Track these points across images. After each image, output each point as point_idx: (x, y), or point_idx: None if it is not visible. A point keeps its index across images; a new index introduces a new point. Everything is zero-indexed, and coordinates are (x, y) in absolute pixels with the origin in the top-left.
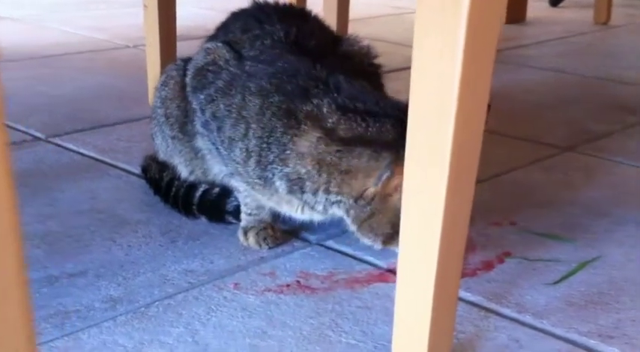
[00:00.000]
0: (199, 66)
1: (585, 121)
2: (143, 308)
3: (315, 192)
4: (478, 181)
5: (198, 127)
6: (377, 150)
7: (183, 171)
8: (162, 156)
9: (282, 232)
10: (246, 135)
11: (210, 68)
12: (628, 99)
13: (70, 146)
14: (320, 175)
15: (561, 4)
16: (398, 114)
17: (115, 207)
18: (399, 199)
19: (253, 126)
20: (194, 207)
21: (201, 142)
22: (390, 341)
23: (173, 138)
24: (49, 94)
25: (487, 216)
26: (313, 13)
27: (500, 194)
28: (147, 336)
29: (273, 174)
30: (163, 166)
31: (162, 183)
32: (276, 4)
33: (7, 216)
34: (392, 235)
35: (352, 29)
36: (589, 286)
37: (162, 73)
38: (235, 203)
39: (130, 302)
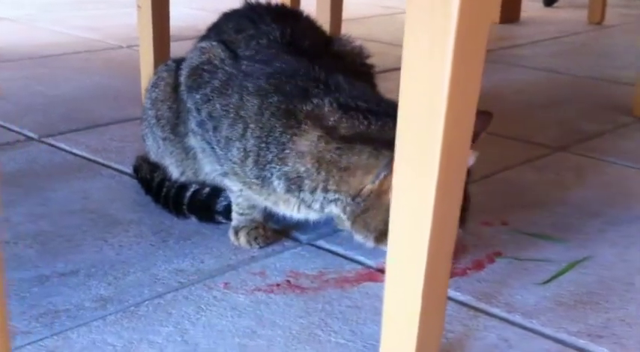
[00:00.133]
0: (194, 65)
1: (577, 121)
2: (133, 308)
3: (313, 191)
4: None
5: (193, 126)
6: (377, 147)
7: (175, 172)
8: (153, 157)
9: (272, 232)
10: (244, 134)
11: (206, 67)
12: (621, 98)
13: (63, 146)
14: (319, 173)
15: (555, 4)
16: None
17: (106, 206)
18: None
19: (252, 125)
20: (184, 207)
21: (194, 141)
22: (379, 341)
23: (164, 139)
24: (45, 94)
25: (478, 216)
26: (305, 14)
27: (491, 194)
28: (136, 335)
29: (272, 174)
30: (155, 167)
31: (154, 184)
32: (269, 5)
33: None
34: (385, 233)
35: (345, 29)
36: (578, 286)
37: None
38: (225, 203)
39: (120, 301)
